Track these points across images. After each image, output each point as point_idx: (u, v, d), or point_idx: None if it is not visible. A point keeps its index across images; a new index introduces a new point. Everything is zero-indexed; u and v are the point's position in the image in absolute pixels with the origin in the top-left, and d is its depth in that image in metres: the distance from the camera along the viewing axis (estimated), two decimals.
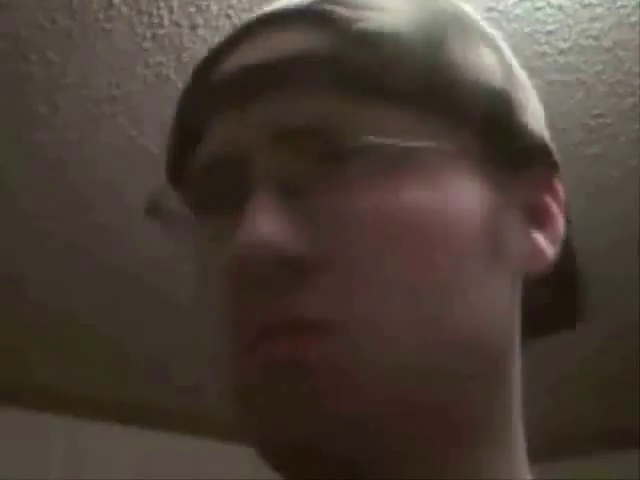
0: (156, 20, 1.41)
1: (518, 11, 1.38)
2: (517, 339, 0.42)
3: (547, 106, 1.58)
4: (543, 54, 1.47)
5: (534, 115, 0.43)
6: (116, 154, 1.74)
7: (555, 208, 0.43)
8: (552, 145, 0.44)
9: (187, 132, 0.43)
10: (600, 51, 1.46)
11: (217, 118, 0.40)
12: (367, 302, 0.36)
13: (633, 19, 1.39)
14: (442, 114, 0.39)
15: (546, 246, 0.42)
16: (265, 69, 0.38)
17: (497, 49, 0.43)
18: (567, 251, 0.45)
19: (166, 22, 1.42)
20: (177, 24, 1.43)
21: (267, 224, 0.36)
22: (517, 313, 0.42)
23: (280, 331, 0.36)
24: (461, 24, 0.41)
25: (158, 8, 1.39)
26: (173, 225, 0.43)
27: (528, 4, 1.38)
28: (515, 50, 1.46)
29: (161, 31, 1.44)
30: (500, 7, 1.38)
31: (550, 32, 1.42)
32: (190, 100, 0.43)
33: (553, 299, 0.47)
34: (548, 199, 0.43)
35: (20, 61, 1.50)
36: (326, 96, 0.38)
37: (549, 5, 1.38)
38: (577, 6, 1.37)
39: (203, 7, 1.39)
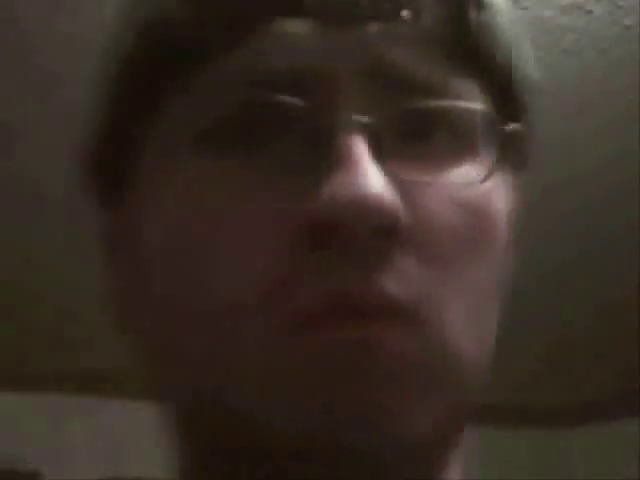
0: None
1: None
2: None
3: None
4: None
5: None
6: None
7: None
8: None
9: (200, 35, 0.32)
10: None
11: (271, 26, 0.32)
12: (442, 296, 0.32)
13: None
14: (504, 100, 0.36)
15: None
16: None
17: None
18: None
19: None
20: None
21: (379, 179, 0.30)
22: None
23: (353, 309, 0.30)
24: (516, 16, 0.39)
25: None
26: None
27: None
28: None
29: None
30: None
31: None
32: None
33: None
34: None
35: None
36: (433, 52, 0.33)
37: None
38: None
39: None
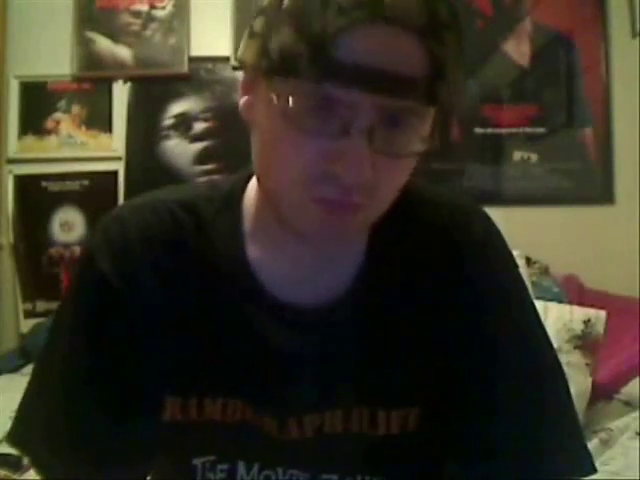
0: None
1: None
2: None
3: None
4: None
5: None
6: None
7: None
8: None
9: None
10: None
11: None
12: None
13: None
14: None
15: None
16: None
17: None
18: None
19: None
20: None
21: (367, 171, 0.70)
22: None
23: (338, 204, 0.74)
24: None
25: None
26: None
27: None
28: None
29: None
30: None
31: None
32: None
33: None
34: None
35: None
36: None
37: None
38: None
39: None
